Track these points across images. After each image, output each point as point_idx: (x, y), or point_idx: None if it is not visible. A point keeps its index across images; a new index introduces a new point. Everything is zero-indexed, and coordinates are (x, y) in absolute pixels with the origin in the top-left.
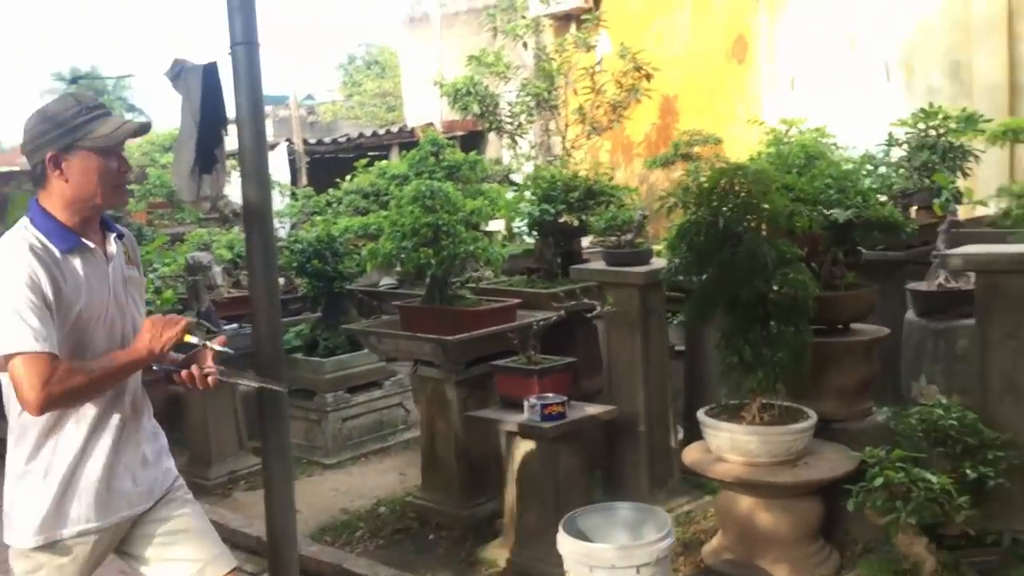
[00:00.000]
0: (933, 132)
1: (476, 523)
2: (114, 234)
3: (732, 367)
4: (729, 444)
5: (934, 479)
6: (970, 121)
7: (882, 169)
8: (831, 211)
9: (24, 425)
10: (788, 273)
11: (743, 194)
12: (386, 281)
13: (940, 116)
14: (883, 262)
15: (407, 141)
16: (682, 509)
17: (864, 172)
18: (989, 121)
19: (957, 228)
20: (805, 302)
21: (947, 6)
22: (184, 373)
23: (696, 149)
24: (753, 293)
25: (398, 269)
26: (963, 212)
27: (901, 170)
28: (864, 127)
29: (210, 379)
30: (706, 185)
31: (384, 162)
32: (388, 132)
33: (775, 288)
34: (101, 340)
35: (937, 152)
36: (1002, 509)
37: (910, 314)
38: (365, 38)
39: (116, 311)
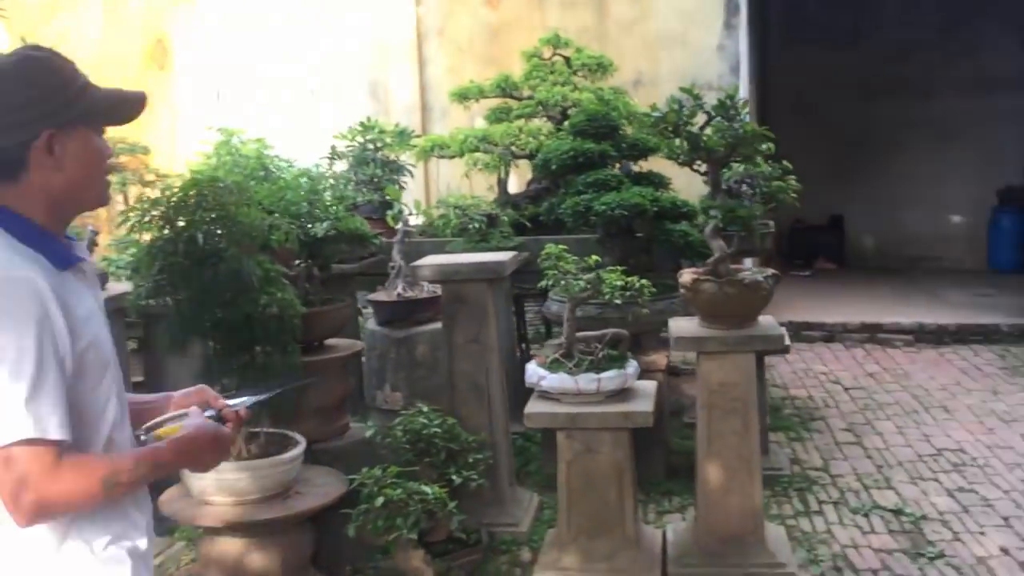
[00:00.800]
0: (372, 146)
1: None
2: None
3: None
4: (215, 485)
5: (428, 490)
6: (403, 136)
7: (331, 182)
8: (312, 224)
9: None
10: (275, 292)
11: (217, 207)
12: None
13: (376, 130)
14: (339, 275)
15: None
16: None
17: (323, 186)
18: (416, 136)
19: (409, 239)
20: (291, 322)
21: (365, 28)
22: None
23: (123, 159)
24: (239, 315)
25: None
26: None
27: (351, 183)
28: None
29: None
30: (176, 197)
31: None
32: None
33: (262, 308)
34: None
35: (379, 165)
36: (480, 507)
37: (371, 324)
38: None
39: (112, 357)
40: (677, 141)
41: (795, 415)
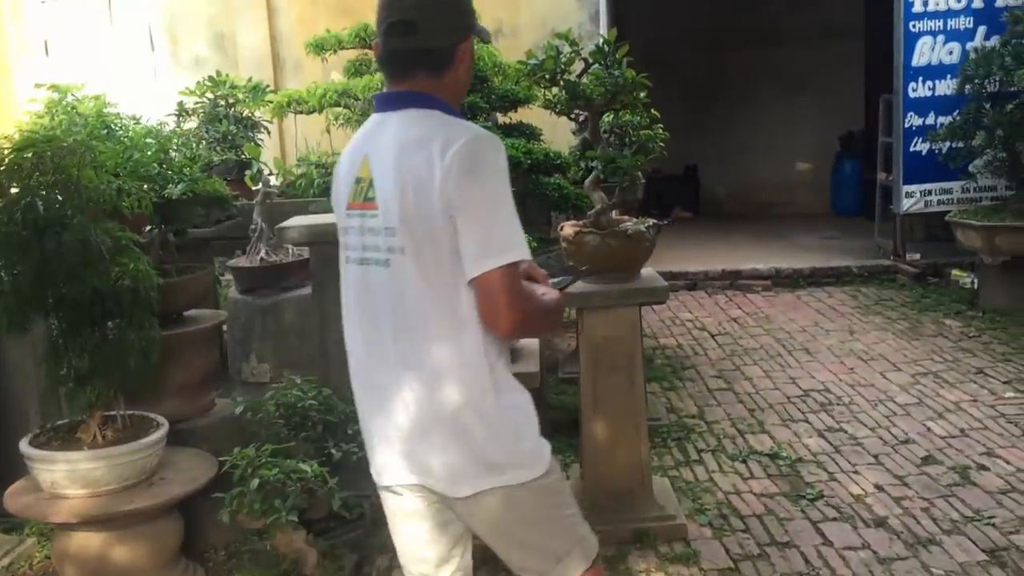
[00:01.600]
0: (223, 102)
1: None
2: None
3: (61, 380)
4: (68, 476)
5: (307, 468)
6: (256, 91)
7: (180, 141)
8: (166, 188)
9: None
10: (127, 263)
11: (55, 170)
12: None
13: (228, 85)
14: (192, 240)
15: None
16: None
17: (176, 145)
18: (274, 91)
19: (271, 200)
20: (148, 294)
21: None
22: None
23: None
24: (86, 290)
25: None
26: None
27: (202, 143)
28: (134, 97)
29: None
30: (7, 161)
31: None
32: None
33: (113, 281)
34: None
35: (232, 123)
36: (363, 477)
37: (234, 292)
38: None
39: None
40: (555, 90)
41: (667, 364)
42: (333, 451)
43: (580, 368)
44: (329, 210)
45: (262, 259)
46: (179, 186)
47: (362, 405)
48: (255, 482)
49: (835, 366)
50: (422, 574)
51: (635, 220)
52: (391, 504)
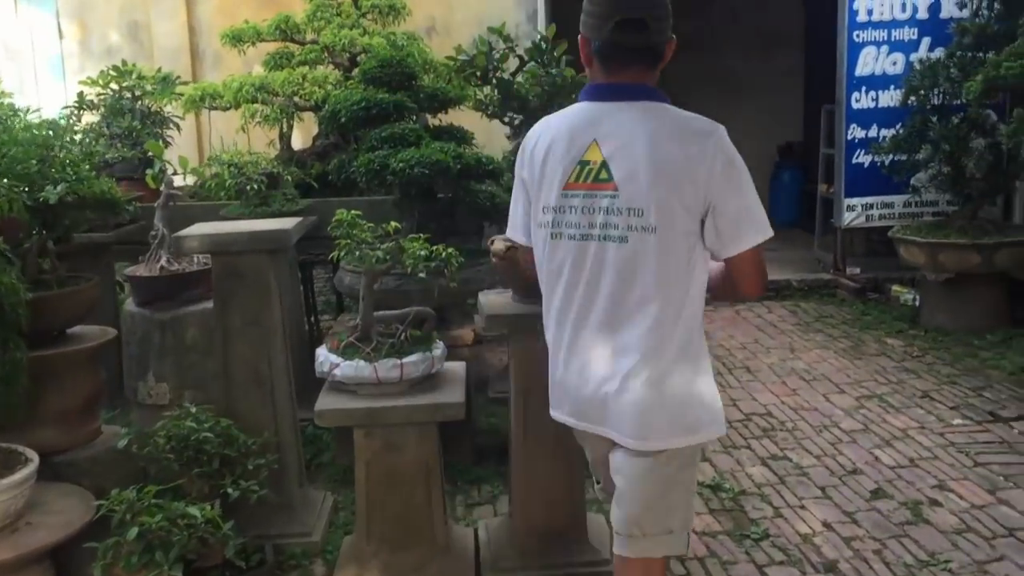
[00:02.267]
0: (129, 94)
1: None
2: None
3: None
4: None
5: (197, 512)
6: (166, 83)
7: (78, 136)
8: (43, 189)
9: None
10: None
11: None
12: None
13: (135, 76)
14: (87, 246)
15: None
16: None
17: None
18: (185, 84)
19: (175, 203)
20: (15, 310)
21: None
22: None
23: None
24: None
25: None
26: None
27: (101, 138)
28: (38, 88)
29: None
30: None
31: None
32: None
33: None
34: None
35: (137, 117)
36: (263, 517)
37: (130, 304)
38: None
39: None
40: (486, 89)
41: None
42: (230, 490)
43: (511, 393)
44: (244, 216)
45: (162, 268)
46: (59, 187)
47: (566, 358)
48: (134, 530)
49: (777, 387)
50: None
51: None
52: (585, 444)
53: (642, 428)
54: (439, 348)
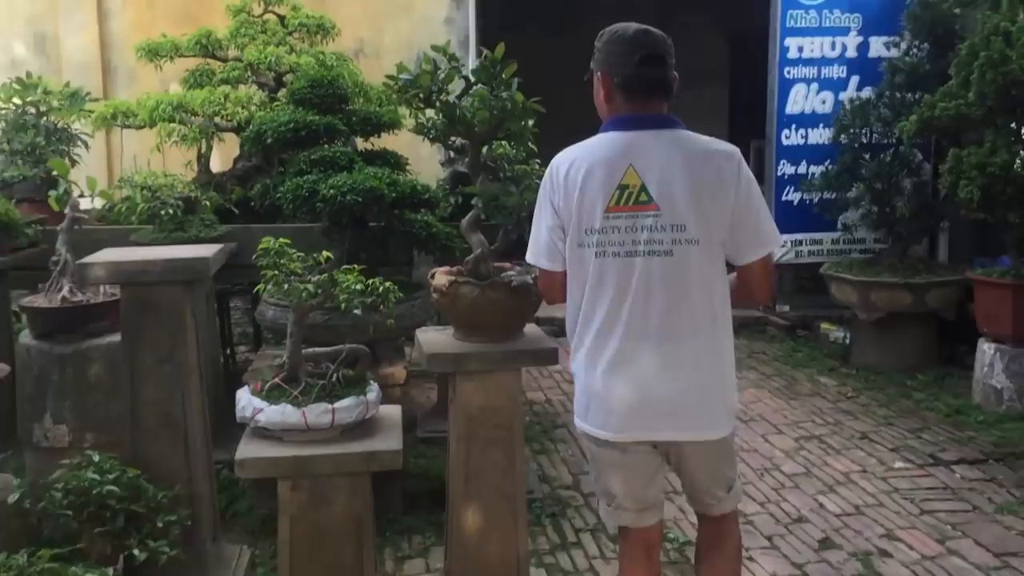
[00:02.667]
0: (33, 110)
1: None
2: None
3: None
4: None
5: None
6: (75, 99)
7: None
8: None
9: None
10: None
11: None
12: None
13: (40, 90)
14: None
15: None
16: None
17: None
18: (96, 100)
19: (80, 227)
20: None
21: None
22: None
23: None
24: None
25: None
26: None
27: (0, 155)
28: None
29: None
30: None
31: None
32: None
33: None
34: None
35: (41, 133)
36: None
37: (26, 337)
38: None
39: None
40: (429, 112)
41: (537, 423)
42: (136, 551)
43: (449, 438)
44: (158, 242)
45: (64, 298)
46: None
47: (610, 372)
48: None
49: None
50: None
51: (519, 268)
52: (616, 458)
53: (716, 421)
54: (374, 391)
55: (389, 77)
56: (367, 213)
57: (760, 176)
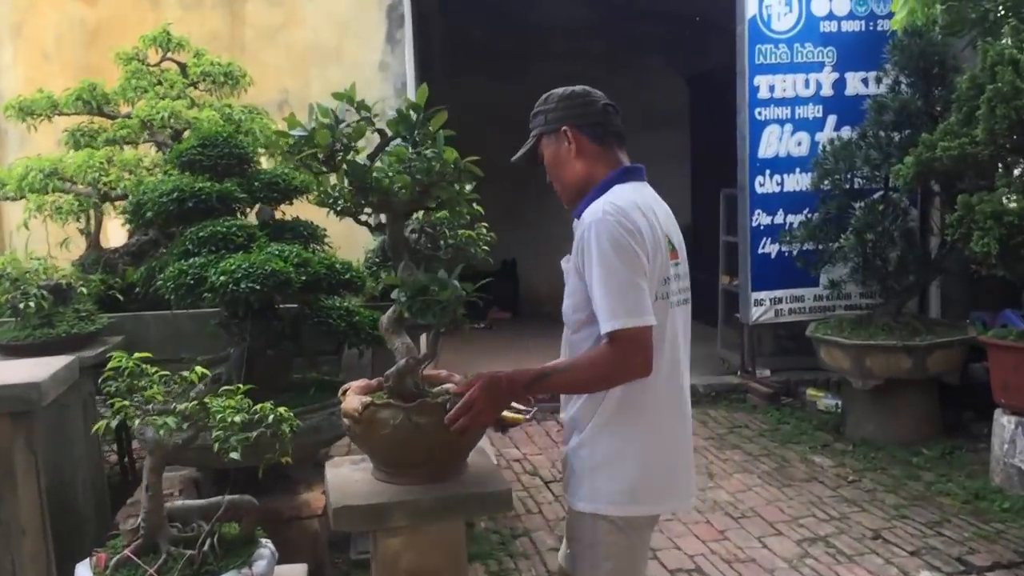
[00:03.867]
0: None
1: None
2: None
3: None
4: None
5: None
6: None
7: None
8: None
9: None
10: None
11: None
12: None
13: None
14: None
15: None
16: None
17: None
18: None
19: None
20: None
21: None
22: None
23: None
24: None
25: None
26: None
27: None
28: None
29: None
30: None
31: None
32: None
33: None
34: None
35: None
36: None
37: None
38: None
39: None
40: (333, 178)
41: (493, 531)
42: None
43: None
44: (17, 342)
45: None
46: None
47: (672, 434)
48: None
49: (702, 528)
50: None
51: (461, 376)
52: (646, 535)
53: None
54: (264, 556)
55: (279, 133)
56: (271, 301)
57: (733, 227)
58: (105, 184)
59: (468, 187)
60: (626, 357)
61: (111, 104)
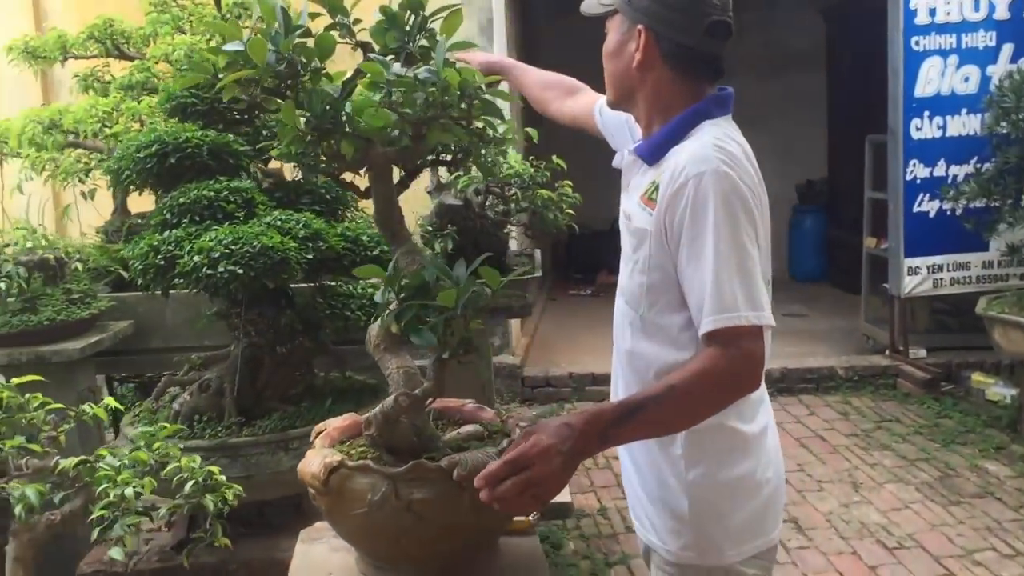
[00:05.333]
0: None
1: None
2: None
3: None
4: None
5: None
6: None
7: None
8: None
9: None
10: None
11: None
12: None
13: None
14: None
15: None
16: None
17: None
18: None
19: None
20: None
21: None
22: None
23: None
24: None
25: None
26: None
27: None
28: None
29: None
30: None
31: None
32: None
33: None
34: None
35: None
36: None
37: None
38: None
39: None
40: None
41: (584, 554)
42: None
43: None
44: None
45: None
46: None
47: (776, 451)
48: None
49: (846, 561)
50: None
51: (493, 414)
52: None
53: None
54: None
55: (209, 51)
56: (283, 285)
57: (881, 181)
58: (109, 137)
59: (501, 126)
60: (744, 366)
61: (129, 43)
